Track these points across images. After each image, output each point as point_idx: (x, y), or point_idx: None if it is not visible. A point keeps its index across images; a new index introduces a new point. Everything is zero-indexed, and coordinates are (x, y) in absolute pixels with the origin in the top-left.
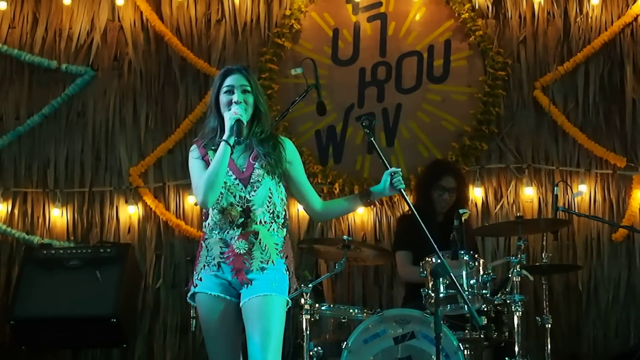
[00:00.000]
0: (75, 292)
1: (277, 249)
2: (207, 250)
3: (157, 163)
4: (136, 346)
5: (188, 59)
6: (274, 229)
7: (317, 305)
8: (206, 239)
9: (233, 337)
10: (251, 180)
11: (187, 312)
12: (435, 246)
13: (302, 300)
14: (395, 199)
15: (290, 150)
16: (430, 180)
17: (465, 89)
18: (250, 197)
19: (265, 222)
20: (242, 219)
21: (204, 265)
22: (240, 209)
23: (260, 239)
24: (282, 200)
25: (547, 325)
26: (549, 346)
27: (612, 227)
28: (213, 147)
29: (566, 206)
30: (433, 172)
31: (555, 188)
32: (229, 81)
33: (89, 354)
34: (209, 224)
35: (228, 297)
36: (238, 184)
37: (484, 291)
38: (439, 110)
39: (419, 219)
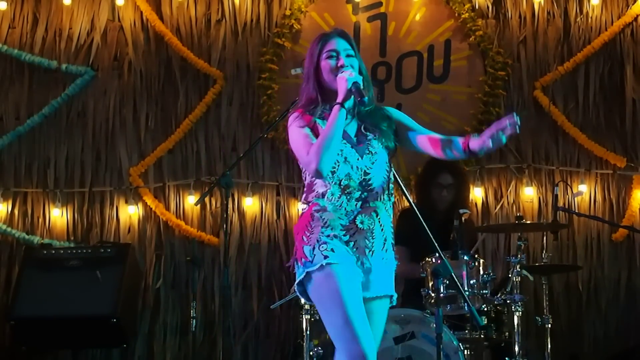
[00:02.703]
0: (75, 292)
1: (391, 232)
2: (323, 222)
3: (157, 163)
4: (136, 346)
5: (188, 59)
6: (387, 209)
7: None
8: (318, 210)
9: (363, 311)
10: (367, 152)
11: (187, 312)
12: (436, 245)
13: (302, 301)
14: (396, 199)
15: (396, 114)
16: (428, 178)
17: (465, 89)
18: (367, 169)
19: (382, 199)
20: (360, 192)
21: (327, 236)
22: (358, 181)
23: (379, 218)
24: (391, 178)
25: (547, 325)
26: (549, 346)
27: (612, 227)
28: (320, 116)
29: (566, 206)
30: (430, 170)
31: (556, 188)
32: (330, 46)
33: (89, 354)
34: (321, 195)
35: (359, 270)
36: (355, 154)
37: (484, 291)
38: (439, 110)
39: (420, 217)
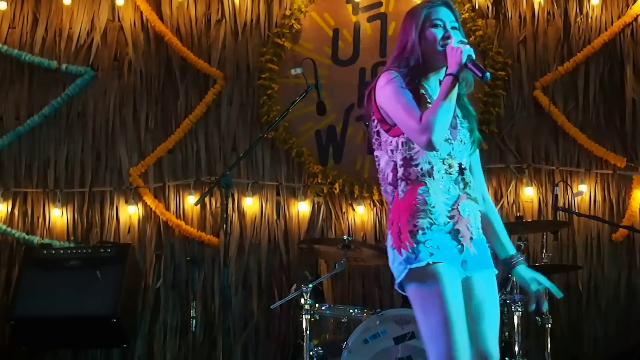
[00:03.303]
0: (75, 292)
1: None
2: (431, 206)
3: (157, 163)
4: (136, 346)
5: (188, 59)
6: (475, 199)
7: (317, 305)
8: (425, 191)
9: (464, 315)
10: (458, 139)
11: (187, 312)
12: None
13: (302, 300)
14: None
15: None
16: None
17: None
18: (461, 155)
19: (471, 188)
20: (457, 174)
21: (433, 225)
22: (458, 163)
23: (472, 210)
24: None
25: (547, 325)
26: (549, 346)
27: (612, 227)
28: (424, 82)
29: (566, 206)
30: None
31: (556, 188)
32: (436, 15)
33: (89, 354)
34: (426, 173)
35: (461, 270)
36: (450, 134)
37: None
38: None
39: None
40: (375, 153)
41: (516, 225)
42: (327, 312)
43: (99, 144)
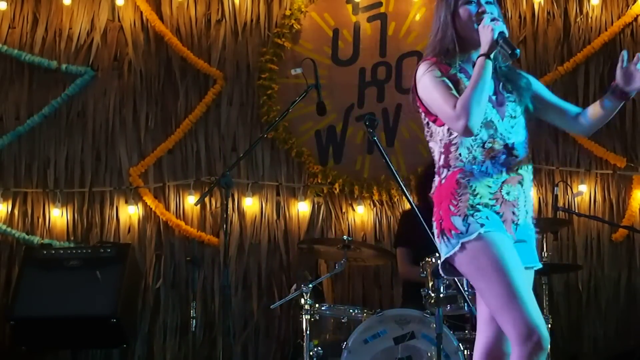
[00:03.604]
0: (75, 292)
1: (532, 204)
2: (472, 190)
3: (157, 163)
4: (136, 346)
5: (188, 59)
6: (530, 179)
7: (317, 305)
8: (465, 177)
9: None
10: (507, 114)
11: (187, 312)
12: (437, 245)
13: (302, 301)
14: (395, 199)
15: (534, 81)
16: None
17: None
18: (508, 133)
19: (526, 167)
20: (505, 157)
21: (479, 205)
22: (502, 145)
23: (524, 189)
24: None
25: (547, 325)
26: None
27: (612, 227)
28: (458, 69)
29: (566, 206)
30: None
31: (555, 188)
32: None
33: (89, 354)
34: (464, 159)
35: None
36: (496, 114)
37: None
38: None
39: (420, 217)
40: (429, 145)
41: None
42: (327, 312)
43: (98, 144)
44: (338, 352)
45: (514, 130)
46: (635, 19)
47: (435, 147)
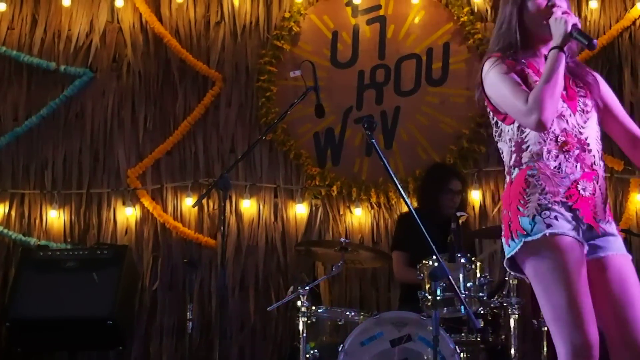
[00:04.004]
0: (71, 294)
1: (608, 202)
2: (541, 189)
3: (155, 165)
4: (133, 348)
5: (187, 60)
6: (604, 175)
7: (314, 307)
8: (534, 175)
9: (588, 291)
10: (579, 108)
11: (184, 314)
12: (434, 248)
13: (299, 303)
14: (393, 202)
15: (603, 83)
16: (439, 184)
17: (463, 92)
18: (581, 128)
19: (599, 164)
20: (578, 152)
21: (548, 204)
22: (576, 139)
23: (599, 185)
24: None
25: (543, 328)
26: (545, 349)
27: None
28: (524, 63)
29: None
30: (442, 176)
31: None
32: None
33: (85, 355)
34: (535, 155)
35: (584, 243)
36: (567, 109)
37: (480, 294)
38: (437, 113)
39: (418, 220)
40: (498, 145)
41: None
42: (324, 314)
43: (96, 146)
44: (335, 354)
45: (587, 125)
46: (634, 23)
47: (505, 147)
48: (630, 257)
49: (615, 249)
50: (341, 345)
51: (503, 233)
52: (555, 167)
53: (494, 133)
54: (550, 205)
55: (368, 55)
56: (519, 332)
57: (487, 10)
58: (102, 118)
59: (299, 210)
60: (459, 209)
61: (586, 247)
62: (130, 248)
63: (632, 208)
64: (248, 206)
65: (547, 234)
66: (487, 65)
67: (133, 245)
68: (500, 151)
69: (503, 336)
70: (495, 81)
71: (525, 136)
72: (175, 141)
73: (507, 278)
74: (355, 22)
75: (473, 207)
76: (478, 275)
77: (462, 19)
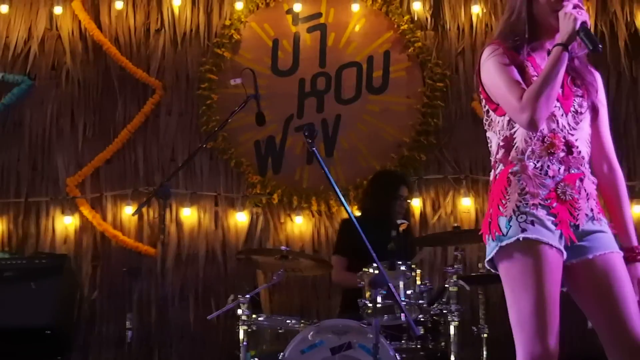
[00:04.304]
0: (9, 304)
1: (596, 202)
2: (521, 189)
3: (94, 173)
4: (71, 358)
5: (127, 68)
6: (592, 179)
7: (254, 316)
8: (516, 173)
9: (557, 300)
10: (572, 109)
11: (123, 323)
12: (374, 256)
13: (240, 311)
14: (334, 210)
15: (601, 87)
16: (389, 190)
17: (404, 100)
18: (571, 129)
19: (587, 166)
20: (564, 154)
21: (527, 205)
22: (563, 140)
23: (585, 186)
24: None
25: (483, 335)
26: (485, 355)
27: None
28: (524, 53)
29: None
30: (391, 183)
31: None
32: None
33: None
34: (520, 153)
35: (562, 250)
36: (560, 108)
37: (420, 301)
38: (378, 121)
39: (359, 228)
40: (487, 134)
41: (453, 235)
42: (265, 322)
43: (35, 154)
44: None
45: (579, 126)
46: None
47: (493, 138)
48: (621, 253)
49: (604, 247)
50: (282, 354)
51: (482, 230)
52: (537, 168)
53: (484, 121)
54: (527, 209)
55: (309, 63)
56: (459, 339)
57: (427, 19)
58: (41, 126)
59: (240, 219)
60: (405, 215)
61: (565, 254)
62: (70, 257)
63: None
64: (188, 214)
65: (521, 239)
66: (486, 52)
67: (72, 254)
68: (488, 140)
69: (443, 343)
70: (492, 70)
71: (514, 132)
72: (115, 149)
73: (446, 285)
74: (295, 30)
75: (413, 214)
76: (418, 282)
77: (402, 27)
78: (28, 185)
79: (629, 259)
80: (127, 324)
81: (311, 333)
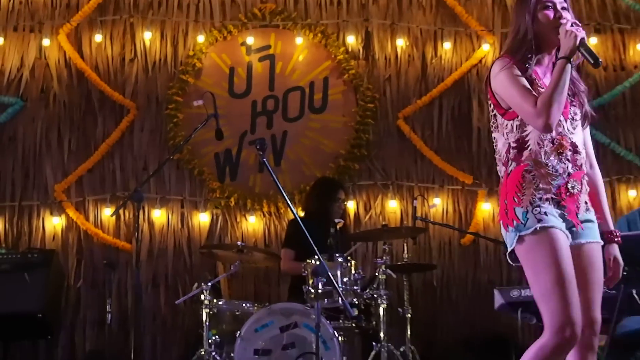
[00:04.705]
0: (6, 292)
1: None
2: (535, 185)
3: (78, 181)
4: (60, 338)
5: (105, 92)
6: (587, 177)
7: (215, 300)
8: (530, 171)
9: (573, 275)
10: (569, 116)
11: (103, 307)
12: (316, 249)
13: (203, 297)
14: (282, 211)
15: (588, 101)
16: (329, 194)
17: (340, 118)
18: (572, 132)
19: (585, 167)
20: (571, 153)
21: (540, 199)
22: (569, 142)
23: (583, 185)
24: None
25: (407, 315)
26: (409, 333)
27: (461, 233)
28: (536, 65)
29: (424, 216)
30: (330, 188)
31: (415, 201)
32: None
33: (19, 345)
34: (533, 154)
35: (568, 235)
36: (562, 113)
37: (355, 287)
38: (318, 136)
39: (303, 226)
40: (493, 135)
41: (382, 232)
42: (224, 306)
43: (27, 164)
44: (233, 340)
45: (575, 131)
46: (480, 61)
47: (500, 139)
48: (601, 243)
49: (592, 236)
50: (238, 332)
51: (500, 218)
52: (550, 167)
53: (491, 124)
54: (540, 203)
55: (260, 88)
56: (387, 319)
57: (359, 50)
58: (32, 140)
59: (202, 219)
60: (342, 215)
61: (569, 236)
62: (57, 252)
63: (479, 215)
64: (159, 215)
65: (538, 228)
66: (498, 65)
67: (59, 249)
68: (494, 140)
69: (374, 322)
70: (505, 81)
71: (527, 135)
72: (96, 160)
73: (376, 274)
74: (249, 60)
75: (349, 214)
76: (353, 271)
77: (338, 57)
78: (21, 191)
79: (608, 240)
80: (107, 308)
81: (263, 314)
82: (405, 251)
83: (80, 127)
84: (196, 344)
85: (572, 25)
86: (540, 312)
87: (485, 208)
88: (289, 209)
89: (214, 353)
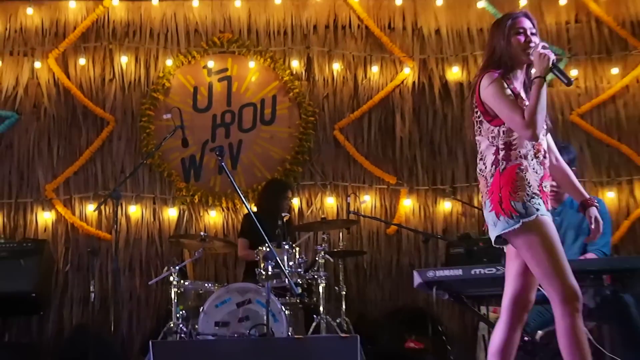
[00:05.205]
0: (4, 275)
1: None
2: (527, 182)
3: (66, 182)
4: (50, 314)
5: (88, 107)
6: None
7: (182, 281)
8: (523, 170)
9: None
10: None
11: (88, 288)
12: (267, 238)
13: (172, 278)
14: (238, 206)
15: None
16: (279, 192)
17: (286, 129)
18: (542, 140)
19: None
20: (542, 157)
21: (533, 194)
22: (542, 148)
23: (548, 186)
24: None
25: (342, 293)
26: (344, 307)
27: (386, 224)
28: (512, 78)
29: (356, 210)
30: (279, 187)
31: (348, 198)
32: (519, 24)
33: (14, 320)
34: (523, 156)
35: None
36: None
37: (299, 270)
38: (268, 144)
39: (255, 219)
40: (477, 138)
41: (321, 224)
42: (189, 286)
43: (22, 168)
44: (197, 314)
45: (544, 138)
46: (402, 82)
47: (484, 142)
48: None
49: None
50: (202, 307)
51: (491, 208)
52: (532, 167)
53: (475, 129)
54: (533, 196)
55: (219, 104)
56: (326, 296)
57: (302, 73)
58: (26, 148)
59: (171, 213)
60: (288, 210)
61: None
62: (48, 242)
63: (401, 209)
64: (134, 210)
65: (539, 216)
66: (487, 79)
67: (50, 239)
68: (478, 143)
69: (315, 299)
70: (495, 93)
71: (514, 140)
72: (80, 164)
73: (317, 259)
74: (210, 80)
75: (294, 209)
76: (297, 257)
77: (285, 79)
78: (17, 190)
79: (587, 205)
80: (91, 288)
81: (222, 293)
82: (341, 239)
83: (67, 136)
84: (166, 318)
85: (543, 48)
86: (549, 285)
87: (407, 204)
88: (243, 205)
89: (181, 325)
